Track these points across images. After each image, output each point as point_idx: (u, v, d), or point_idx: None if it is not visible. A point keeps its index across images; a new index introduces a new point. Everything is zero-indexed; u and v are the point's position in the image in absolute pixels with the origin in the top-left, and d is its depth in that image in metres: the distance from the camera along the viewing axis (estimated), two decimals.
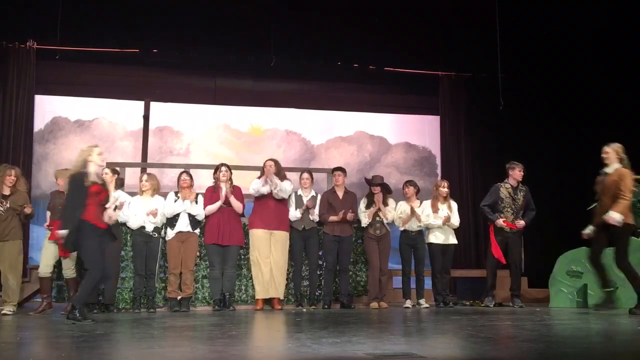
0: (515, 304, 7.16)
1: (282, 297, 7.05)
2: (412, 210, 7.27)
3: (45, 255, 6.58)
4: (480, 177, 10.24)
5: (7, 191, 6.44)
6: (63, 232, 5.21)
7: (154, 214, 6.76)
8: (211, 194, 6.99)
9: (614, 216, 5.84)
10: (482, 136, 10.49)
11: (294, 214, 7.12)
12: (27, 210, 6.50)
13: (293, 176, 7.63)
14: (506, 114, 9.53)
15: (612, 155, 6.07)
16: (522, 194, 7.39)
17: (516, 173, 7.38)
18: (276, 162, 7.15)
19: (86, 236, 5.20)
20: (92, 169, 5.37)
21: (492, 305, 7.21)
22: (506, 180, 7.43)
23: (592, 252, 6.25)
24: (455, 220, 7.42)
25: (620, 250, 5.99)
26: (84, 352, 3.41)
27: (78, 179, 5.30)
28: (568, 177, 9.53)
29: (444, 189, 7.40)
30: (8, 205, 6.42)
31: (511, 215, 7.30)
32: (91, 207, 5.27)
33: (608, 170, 6.07)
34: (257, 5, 9.16)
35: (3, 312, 6.19)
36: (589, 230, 6.27)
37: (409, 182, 7.56)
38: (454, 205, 7.52)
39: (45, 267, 6.58)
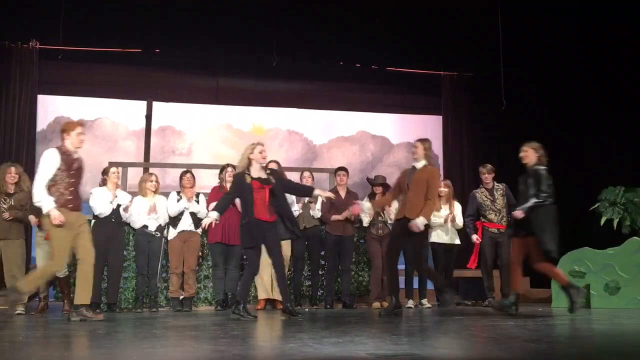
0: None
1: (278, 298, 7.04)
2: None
3: (43, 255, 6.56)
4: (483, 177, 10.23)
5: (10, 189, 6.33)
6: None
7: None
8: (217, 194, 6.98)
9: (419, 222, 5.65)
10: (484, 136, 10.48)
11: (294, 207, 7.12)
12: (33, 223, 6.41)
13: (294, 176, 7.63)
14: (508, 114, 9.52)
15: (420, 151, 5.93)
16: (499, 193, 7.42)
17: (483, 178, 7.47)
18: (279, 165, 7.15)
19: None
20: (254, 165, 5.54)
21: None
22: (481, 185, 7.50)
23: (392, 249, 5.99)
24: (460, 220, 7.43)
25: (418, 254, 5.95)
26: (87, 351, 3.42)
27: (238, 177, 5.56)
28: (570, 177, 9.51)
29: (443, 189, 7.40)
30: (12, 203, 6.31)
31: (495, 217, 7.34)
32: (256, 202, 5.43)
33: (417, 165, 5.90)
34: (259, 5, 9.16)
35: (17, 312, 6.13)
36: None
37: None
38: (458, 206, 7.52)
39: None
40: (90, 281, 5.37)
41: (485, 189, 7.42)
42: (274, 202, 5.52)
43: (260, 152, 5.55)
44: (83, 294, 5.28)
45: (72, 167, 5.27)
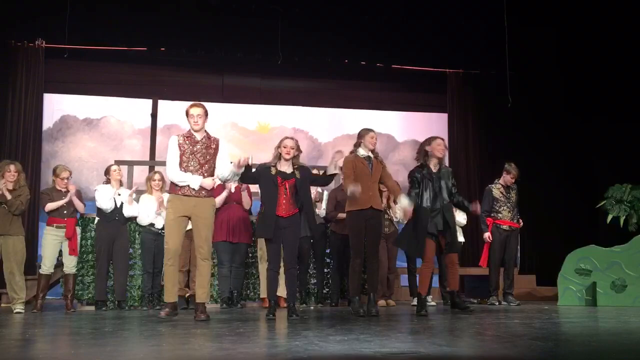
0: (510, 302, 7.13)
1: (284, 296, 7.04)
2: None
3: (52, 253, 6.60)
4: (488, 175, 10.20)
5: (9, 186, 6.33)
6: None
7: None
8: (220, 189, 7.02)
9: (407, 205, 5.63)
10: (490, 134, 10.46)
11: None
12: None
13: None
14: (514, 112, 9.49)
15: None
16: (514, 192, 7.44)
17: (507, 178, 7.39)
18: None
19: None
20: (282, 159, 5.49)
21: (497, 304, 7.21)
22: (497, 181, 7.45)
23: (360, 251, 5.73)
24: (462, 218, 7.42)
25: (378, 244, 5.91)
26: (93, 349, 3.43)
27: (262, 167, 5.58)
28: (577, 175, 9.49)
29: None
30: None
31: (508, 213, 7.32)
32: (277, 196, 5.42)
33: (370, 154, 5.74)
34: (264, 3, 9.17)
35: (16, 311, 6.18)
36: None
37: None
38: None
39: (51, 266, 6.61)
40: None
41: (502, 185, 7.40)
42: (296, 198, 5.45)
43: (284, 147, 5.49)
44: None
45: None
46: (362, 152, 5.74)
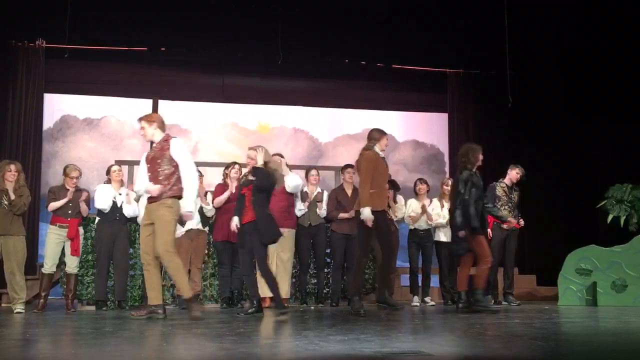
0: (511, 302, 7.14)
1: (285, 296, 7.03)
2: (424, 209, 7.28)
3: (54, 252, 6.60)
4: (488, 175, 10.18)
5: (9, 186, 6.34)
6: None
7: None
8: (221, 190, 7.03)
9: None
10: (490, 134, 10.45)
11: (300, 206, 7.11)
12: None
13: (300, 174, 7.62)
14: (514, 112, 9.49)
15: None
16: (516, 193, 7.45)
17: (513, 174, 7.42)
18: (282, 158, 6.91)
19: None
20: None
21: (493, 302, 7.21)
22: (501, 180, 7.46)
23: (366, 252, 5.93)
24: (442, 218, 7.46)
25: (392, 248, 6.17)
26: (93, 349, 3.43)
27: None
28: (577, 175, 9.49)
29: (448, 187, 7.39)
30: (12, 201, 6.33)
31: (509, 213, 7.32)
32: (244, 204, 5.59)
33: (383, 155, 5.81)
34: (264, 3, 9.16)
35: (16, 311, 6.19)
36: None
37: (421, 180, 7.57)
38: None
39: (53, 265, 6.62)
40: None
41: (506, 184, 7.41)
42: (254, 203, 5.47)
43: (248, 156, 5.63)
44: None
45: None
46: (378, 151, 5.78)
